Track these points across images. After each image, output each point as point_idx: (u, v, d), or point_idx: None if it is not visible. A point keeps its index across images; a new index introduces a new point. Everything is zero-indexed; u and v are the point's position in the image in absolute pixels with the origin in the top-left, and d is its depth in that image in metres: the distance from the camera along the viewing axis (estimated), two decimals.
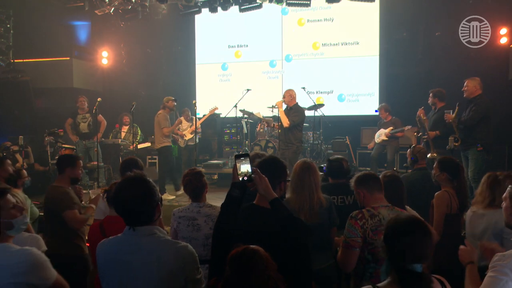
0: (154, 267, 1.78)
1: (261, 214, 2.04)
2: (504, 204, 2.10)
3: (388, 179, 2.92)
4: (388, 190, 2.81)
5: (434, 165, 3.48)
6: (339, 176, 3.50)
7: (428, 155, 5.61)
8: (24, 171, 3.93)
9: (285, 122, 6.25)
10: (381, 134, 7.52)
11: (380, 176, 2.99)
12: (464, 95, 5.48)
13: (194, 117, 7.47)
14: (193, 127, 7.59)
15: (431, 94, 6.10)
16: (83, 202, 3.86)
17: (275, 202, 1.93)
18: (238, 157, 1.98)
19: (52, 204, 3.38)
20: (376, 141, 7.61)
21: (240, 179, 1.94)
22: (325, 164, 3.65)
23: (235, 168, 1.97)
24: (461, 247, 2.10)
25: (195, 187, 2.97)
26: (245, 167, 1.96)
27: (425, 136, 5.94)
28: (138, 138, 8.40)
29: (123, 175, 3.13)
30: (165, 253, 1.80)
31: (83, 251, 3.43)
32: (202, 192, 3.00)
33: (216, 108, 8.17)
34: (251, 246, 1.60)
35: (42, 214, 3.80)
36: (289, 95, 6.42)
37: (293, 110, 6.38)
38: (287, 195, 3.01)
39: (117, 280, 1.83)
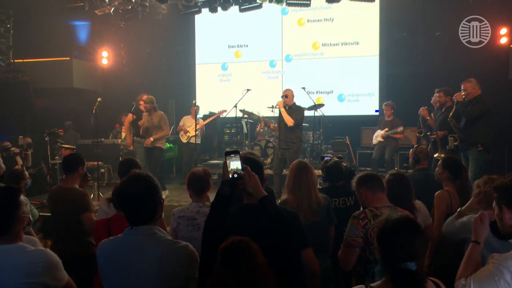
0: (154, 267, 1.78)
1: (253, 213, 2.01)
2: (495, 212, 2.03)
3: (395, 178, 2.91)
4: (395, 189, 2.80)
5: (438, 163, 3.48)
6: (337, 179, 3.49)
7: (436, 155, 5.60)
8: (26, 173, 3.94)
9: (289, 121, 6.24)
10: (377, 136, 7.57)
11: (387, 175, 2.99)
12: (466, 99, 5.44)
13: (195, 118, 7.50)
14: (198, 125, 7.59)
15: (442, 94, 6.01)
16: None
17: (265, 200, 1.91)
18: (228, 154, 1.95)
19: (69, 205, 3.37)
20: (373, 142, 7.64)
21: (230, 176, 1.91)
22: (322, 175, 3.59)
23: (225, 166, 1.93)
24: (477, 217, 2.01)
25: (199, 182, 2.96)
26: (234, 164, 1.92)
27: (434, 135, 5.92)
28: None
29: (122, 175, 3.16)
30: (165, 253, 1.81)
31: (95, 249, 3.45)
32: (204, 191, 3.00)
33: (224, 111, 8.13)
34: (239, 237, 1.62)
35: (41, 214, 3.80)
36: (291, 95, 6.44)
37: (294, 109, 6.38)
38: (284, 196, 3.01)
39: (118, 280, 1.83)
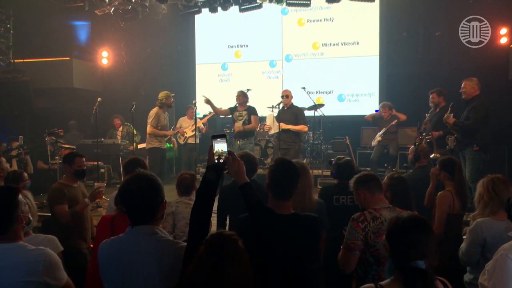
0: (155, 267, 1.79)
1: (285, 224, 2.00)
2: None
3: (395, 181, 2.91)
4: (394, 192, 2.80)
5: (436, 166, 3.50)
6: (348, 177, 3.49)
7: (432, 155, 5.61)
8: (25, 174, 3.95)
9: (304, 129, 6.39)
10: (376, 138, 7.60)
11: (385, 178, 2.99)
12: (463, 97, 5.46)
13: (195, 117, 7.50)
14: (198, 123, 7.60)
15: (434, 94, 6.04)
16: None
17: (246, 186, 1.89)
18: (214, 137, 1.88)
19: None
20: (373, 144, 7.66)
21: (215, 159, 1.85)
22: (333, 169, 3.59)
23: (211, 150, 1.87)
24: None
25: (187, 183, 3.46)
26: (219, 146, 1.86)
27: (429, 136, 5.93)
28: (136, 138, 8.39)
29: (127, 173, 3.22)
30: (166, 253, 1.81)
31: (81, 247, 3.45)
32: (191, 189, 3.44)
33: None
34: (226, 230, 1.64)
35: (40, 214, 3.84)
36: (285, 96, 6.47)
37: (294, 111, 6.38)
38: None
39: (119, 280, 1.83)
